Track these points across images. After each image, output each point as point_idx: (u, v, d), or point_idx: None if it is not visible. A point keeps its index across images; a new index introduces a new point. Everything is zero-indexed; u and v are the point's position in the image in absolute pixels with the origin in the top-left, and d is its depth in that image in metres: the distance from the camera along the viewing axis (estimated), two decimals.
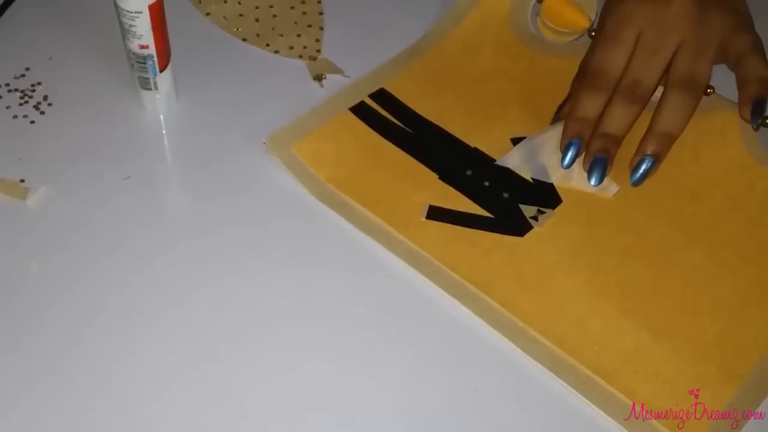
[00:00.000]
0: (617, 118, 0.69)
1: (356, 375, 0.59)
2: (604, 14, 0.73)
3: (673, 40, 0.70)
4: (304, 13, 0.81)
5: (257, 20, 0.80)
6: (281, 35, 0.79)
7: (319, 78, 0.76)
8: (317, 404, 0.58)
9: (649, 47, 0.70)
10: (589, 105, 0.70)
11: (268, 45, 0.79)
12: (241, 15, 0.81)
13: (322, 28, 0.80)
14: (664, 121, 0.69)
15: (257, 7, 0.81)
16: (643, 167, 0.69)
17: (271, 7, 0.81)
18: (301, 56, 0.78)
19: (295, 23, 0.80)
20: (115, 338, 0.60)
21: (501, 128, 0.73)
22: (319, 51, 0.78)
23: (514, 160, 0.70)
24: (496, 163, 0.70)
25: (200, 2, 0.82)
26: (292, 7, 0.82)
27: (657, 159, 0.69)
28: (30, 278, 0.62)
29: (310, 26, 0.80)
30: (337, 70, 0.76)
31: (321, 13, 0.81)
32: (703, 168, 0.71)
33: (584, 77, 0.71)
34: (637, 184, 0.69)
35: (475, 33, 0.80)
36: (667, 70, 0.71)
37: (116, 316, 0.61)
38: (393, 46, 0.78)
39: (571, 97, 0.73)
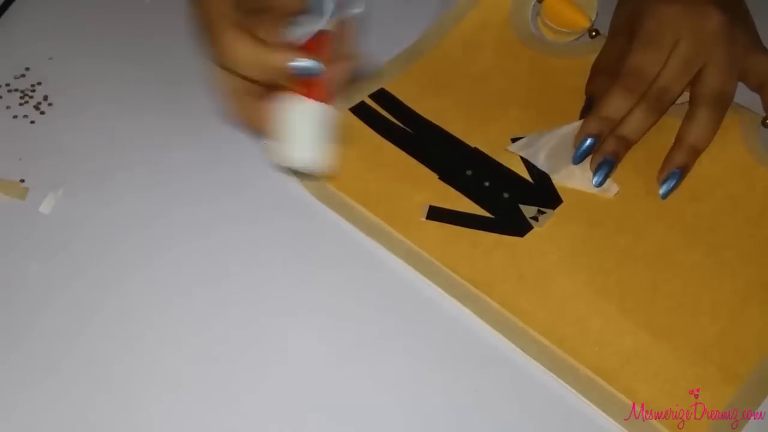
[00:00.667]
0: (638, 123, 0.69)
1: (356, 375, 0.59)
2: (639, 14, 0.72)
3: (705, 56, 0.70)
4: None
5: None
6: None
7: None
8: (317, 404, 0.58)
9: (684, 58, 0.70)
10: (619, 105, 0.69)
11: None
12: None
13: None
14: (694, 135, 0.69)
15: None
16: (673, 181, 0.69)
17: None
18: None
19: None
20: (116, 338, 0.60)
21: (501, 128, 0.73)
22: None
23: (522, 148, 0.71)
24: (508, 148, 0.71)
25: None
26: None
27: (684, 171, 0.69)
28: (30, 278, 0.62)
29: None
30: None
31: None
32: (703, 168, 0.70)
33: (620, 76, 0.70)
34: (666, 196, 0.69)
35: (476, 32, 0.80)
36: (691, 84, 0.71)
37: (117, 316, 0.61)
38: (393, 46, 0.78)
39: (594, 95, 0.72)
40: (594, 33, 0.79)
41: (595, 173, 0.69)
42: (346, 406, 0.58)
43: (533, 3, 0.81)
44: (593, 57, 0.77)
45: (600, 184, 0.69)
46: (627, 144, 0.69)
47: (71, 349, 0.59)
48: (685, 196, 0.69)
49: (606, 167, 0.69)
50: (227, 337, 0.60)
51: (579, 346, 0.60)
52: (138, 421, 0.56)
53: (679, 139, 0.70)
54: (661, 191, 0.69)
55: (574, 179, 0.69)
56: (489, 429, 0.57)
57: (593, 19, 0.79)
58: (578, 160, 0.69)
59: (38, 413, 0.56)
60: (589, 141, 0.69)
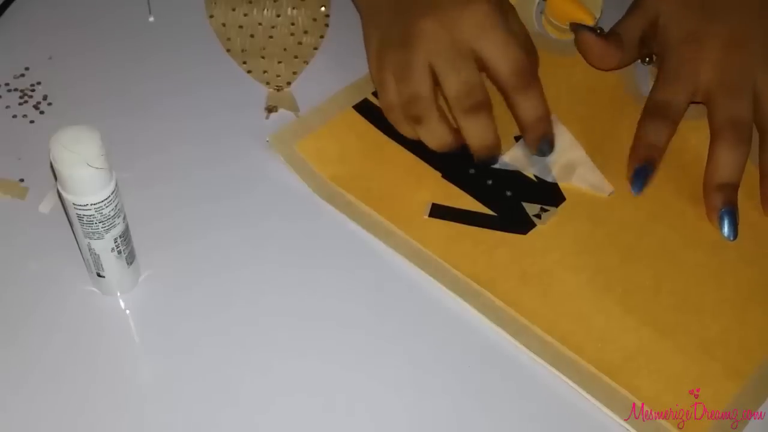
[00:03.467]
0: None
1: (358, 373, 0.59)
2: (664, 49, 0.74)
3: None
4: (300, 43, 0.79)
5: (252, 36, 0.79)
6: (263, 57, 0.78)
7: (270, 109, 0.73)
8: (319, 403, 0.57)
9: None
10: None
11: (245, 63, 0.77)
12: (240, 27, 0.80)
13: (306, 62, 0.78)
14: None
15: (260, 24, 0.80)
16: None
17: (273, 27, 0.80)
18: (268, 83, 0.76)
19: (285, 50, 0.78)
20: (115, 337, 0.60)
21: (504, 126, 0.71)
22: (289, 83, 0.76)
23: (515, 157, 0.70)
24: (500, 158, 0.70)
25: (214, 2, 0.81)
26: (292, 34, 0.80)
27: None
28: (29, 277, 0.62)
29: (296, 57, 0.78)
30: (294, 107, 0.74)
31: (315, 48, 0.79)
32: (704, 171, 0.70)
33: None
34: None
35: None
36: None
37: (116, 315, 0.61)
38: None
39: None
40: (598, 31, 0.79)
41: (633, 182, 0.69)
42: (348, 405, 0.57)
43: (537, 1, 0.80)
44: None
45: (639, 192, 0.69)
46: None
47: (69, 348, 0.59)
48: (686, 197, 0.69)
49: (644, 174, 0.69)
50: (228, 337, 0.60)
51: (582, 342, 0.60)
52: (136, 420, 0.56)
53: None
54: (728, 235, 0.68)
55: (572, 178, 0.69)
56: (492, 427, 0.57)
57: (598, 17, 0.78)
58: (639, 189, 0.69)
59: (35, 412, 0.56)
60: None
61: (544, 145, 0.68)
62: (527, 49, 0.70)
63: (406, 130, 0.70)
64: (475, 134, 0.67)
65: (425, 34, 0.66)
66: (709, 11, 0.72)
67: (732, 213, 0.67)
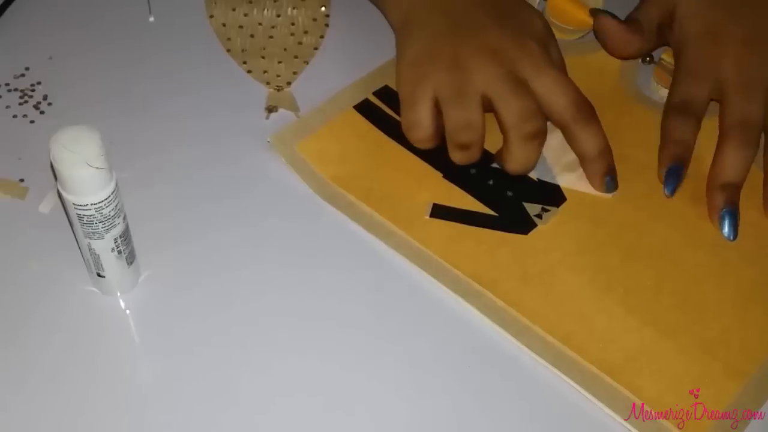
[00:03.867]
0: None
1: (358, 373, 0.59)
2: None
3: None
4: (300, 43, 0.79)
5: (252, 36, 0.79)
6: (263, 57, 0.77)
7: (271, 109, 0.73)
8: (319, 403, 0.57)
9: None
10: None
11: (245, 63, 0.77)
12: (240, 27, 0.80)
13: (307, 62, 0.77)
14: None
15: (260, 24, 0.80)
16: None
17: (273, 27, 0.80)
18: (268, 83, 0.75)
19: (285, 50, 0.78)
20: (115, 337, 0.60)
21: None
22: (289, 83, 0.76)
23: None
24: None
25: (215, 2, 0.81)
26: (292, 34, 0.80)
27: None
28: (29, 277, 0.62)
29: (296, 57, 0.78)
30: (295, 107, 0.74)
31: (316, 48, 0.79)
32: (705, 170, 0.70)
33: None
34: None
35: None
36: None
37: (116, 316, 0.61)
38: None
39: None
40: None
41: (666, 182, 0.69)
42: (348, 405, 0.57)
43: (538, 1, 0.80)
44: (598, 55, 0.77)
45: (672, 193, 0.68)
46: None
47: (69, 348, 0.59)
48: (687, 197, 0.69)
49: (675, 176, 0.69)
50: (228, 337, 0.60)
51: (584, 342, 0.60)
52: (136, 421, 0.56)
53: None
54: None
55: (577, 182, 0.69)
56: (492, 427, 0.57)
57: None
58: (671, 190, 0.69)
59: (35, 412, 0.56)
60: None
61: (611, 182, 0.68)
62: None
63: (424, 144, 0.69)
64: (524, 160, 0.67)
65: (483, 62, 0.66)
66: (728, 8, 0.72)
67: (733, 213, 0.67)
